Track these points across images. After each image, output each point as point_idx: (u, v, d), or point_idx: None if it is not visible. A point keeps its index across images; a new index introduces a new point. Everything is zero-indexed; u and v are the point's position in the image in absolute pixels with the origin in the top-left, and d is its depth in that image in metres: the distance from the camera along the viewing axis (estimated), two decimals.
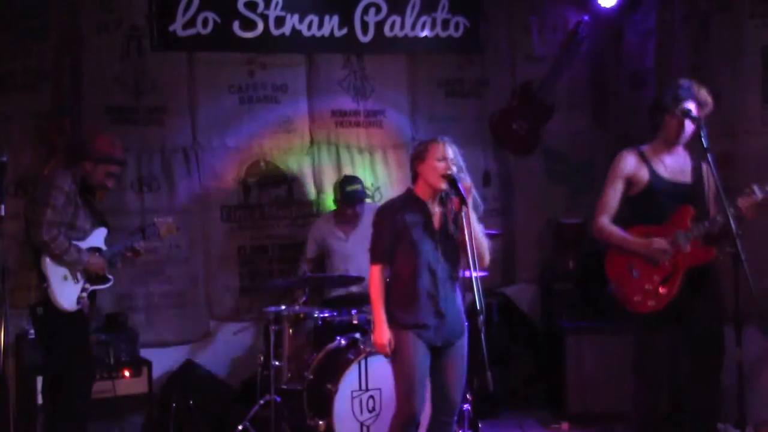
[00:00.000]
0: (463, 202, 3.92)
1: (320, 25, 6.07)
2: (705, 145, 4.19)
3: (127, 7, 5.74)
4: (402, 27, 6.26)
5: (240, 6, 5.89)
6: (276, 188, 6.14)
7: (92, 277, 4.70)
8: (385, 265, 4.13)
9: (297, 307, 5.34)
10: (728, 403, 4.56)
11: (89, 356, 4.78)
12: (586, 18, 6.40)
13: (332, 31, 6.10)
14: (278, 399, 5.09)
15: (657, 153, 4.52)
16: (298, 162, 6.18)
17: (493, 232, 6.23)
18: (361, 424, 4.87)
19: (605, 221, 4.53)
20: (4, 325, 4.02)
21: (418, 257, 4.04)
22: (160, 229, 5.05)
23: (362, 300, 5.13)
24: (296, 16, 6.02)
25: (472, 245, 3.80)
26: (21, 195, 5.37)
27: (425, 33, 6.31)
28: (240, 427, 5.08)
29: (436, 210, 4.13)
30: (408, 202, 4.14)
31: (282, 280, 5.66)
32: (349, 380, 4.85)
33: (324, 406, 4.83)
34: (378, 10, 6.19)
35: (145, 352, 5.55)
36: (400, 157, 6.15)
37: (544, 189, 6.67)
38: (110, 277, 4.80)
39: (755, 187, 4.22)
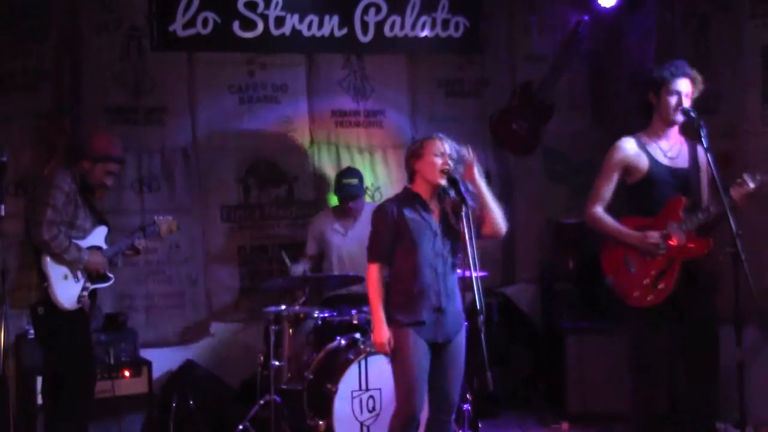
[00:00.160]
0: (463, 201, 3.93)
1: (320, 25, 6.07)
2: (705, 145, 4.19)
3: (127, 7, 5.74)
4: (402, 27, 6.26)
5: (240, 6, 5.89)
6: (276, 188, 6.14)
7: (93, 276, 4.70)
8: (384, 264, 4.13)
9: (297, 307, 5.34)
10: (728, 403, 4.56)
11: (90, 356, 4.79)
12: (586, 18, 6.40)
13: (332, 31, 6.10)
14: (278, 399, 5.09)
15: (653, 139, 4.48)
16: (298, 162, 6.18)
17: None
18: (361, 424, 4.87)
19: (599, 210, 4.51)
20: (4, 325, 4.03)
21: (418, 255, 4.05)
22: (160, 228, 5.05)
23: (362, 299, 5.13)
24: (296, 16, 6.02)
25: (472, 245, 3.81)
26: (21, 195, 5.37)
27: (425, 33, 6.31)
28: (240, 427, 5.08)
29: (434, 207, 4.14)
30: (406, 199, 4.15)
31: (282, 280, 5.65)
32: (349, 380, 4.85)
33: (324, 406, 4.83)
34: (378, 10, 6.19)
35: (145, 352, 5.55)
36: (400, 157, 6.08)
37: (544, 189, 6.68)
38: (111, 275, 4.81)
39: (747, 177, 4.20)
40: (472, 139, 4.28)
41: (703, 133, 4.20)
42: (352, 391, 4.85)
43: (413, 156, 4.14)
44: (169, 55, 5.86)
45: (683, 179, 4.43)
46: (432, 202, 4.15)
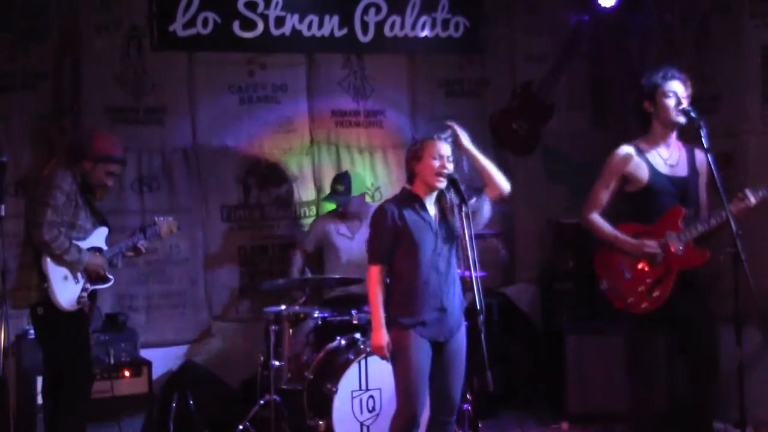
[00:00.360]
0: (463, 201, 3.94)
1: (320, 25, 6.07)
2: (705, 146, 4.18)
3: (127, 7, 5.74)
4: (402, 27, 6.26)
5: (240, 6, 5.89)
6: (276, 188, 6.14)
7: (93, 277, 4.70)
8: (384, 266, 4.13)
9: (297, 307, 5.35)
10: (728, 403, 4.56)
11: (89, 356, 4.78)
12: (586, 18, 6.40)
13: (332, 31, 6.10)
14: (278, 399, 5.09)
15: (653, 146, 4.45)
16: (298, 162, 6.19)
17: (493, 231, 6.29)
18: (361, 424, 4.87)
19: (595, 216, 4.50)
20: (4, 325, 4.02)
21: (420, 256, 4.05)
22: (161, 229, 5.05)
23: (363, 299, 5.13)
24: (296, 16, 6.02)
25: (472, 245, 3.81)
26: (21, 195, 5.37)
27: (425, 33, 6.31)
28: (240, 427, 5.08)
29: (434, 207, 4.14)
30: (406, 200, 4.15)
31: (282, 280, 5.66)
32: (349, 380, 4.85)
33: (324, 406, 4.83)
34: (378, 10, 6.19)
35: (145, 352, 5.55)
36: (400, 157, 6.12)
37: (544, 189, 6.68)
38: (111, 276, 4.80)
39: (749, 192, 4.18)
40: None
41: (703, 134, 4.19)
42: (352, 391, 4.86)
43: (413, 158, 4.14)
44: (169, 55, 5.86)
45: (683, 188, 4.41)
46: (431, 202, 4.15)
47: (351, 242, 5.75)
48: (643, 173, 4.41)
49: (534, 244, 6.65)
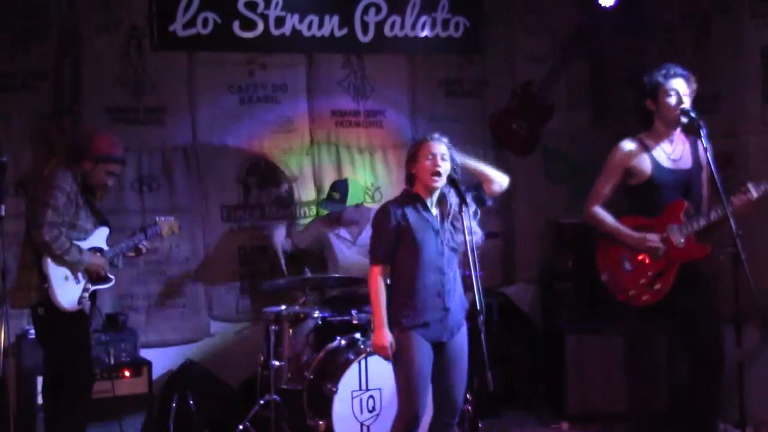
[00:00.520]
0: (463, 201, 3.94)
1: (320, 25, 6.07)
2: (705, 146, 4.19)
3: (127, 7, 5.73)
4: (402, 27, 6.25)
5: (240, 6, 5.89)
6: (276, 188, 6.14)
7: (94, 278, 4.70)
8: (386, 267, 4.12)
9: (297, 307, 5.34)
10: (728, 403, 4.56)
11: (90, 356, 4.78)
12: (586, 18, 6.40)
13: (332, 31, 6.10)
14: (278, 399, 5.09)
15: (656, 141, 4.46)
16: (298, 162, 6.18)
17: (493, 231, 6.28)
18: (361, 424, 4.87)
19: (598, 209, 4.51)
20: (4, 325, 4.02)
21: (422, 256, 4.05)
22: (162, 229, 5.05)
23: (364, 299, 5.13)
24: (296, 16, 6.01)
25: (472, 245, 3.81)
26: (21, 195, 5.37)
27: (425, 33, 6.31)
28: (240, 427, 5.08)
29: (435, 208, 4.14)
30: (408, 201, 4.15)
31: (282, 280, 5.65)
32: (349, 380, 4.85)
33: (324, 406, 4.83)
34: (378, 10, 6.19)
35: (145, 352, 5.55)
36: (400, 157, 6.10)
37: (544, 189, 6.68)
38: (111, 277, 4.80)
39: (751, 186, 4.21)
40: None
41: (703, 134, 4.20)
42: (352, 391, 4.85)
43: (410, 160, 4.15)
44: (169, 55, 5.86)
45: (685, 181, 4.42)
46: (433, 202, 4.15)
47: (351, 246, 5.74)
48: (646, 167, 4.42)
49: (534, 244, 6.65)
